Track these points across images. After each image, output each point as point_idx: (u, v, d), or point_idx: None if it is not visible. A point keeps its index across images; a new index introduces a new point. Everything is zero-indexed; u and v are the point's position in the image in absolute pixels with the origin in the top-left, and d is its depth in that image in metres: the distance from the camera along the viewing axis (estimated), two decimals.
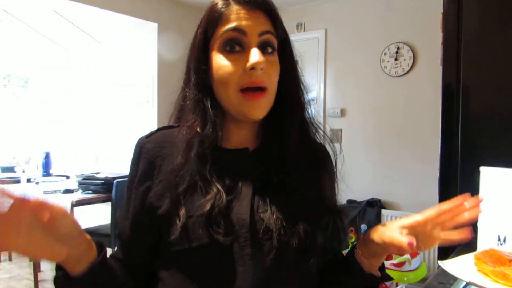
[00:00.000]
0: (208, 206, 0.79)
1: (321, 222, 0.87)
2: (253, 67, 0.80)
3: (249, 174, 0.87)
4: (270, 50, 0.85)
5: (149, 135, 0.92)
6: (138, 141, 0.92)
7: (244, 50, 0.82)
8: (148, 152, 0.88)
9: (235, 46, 0.82)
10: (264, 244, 0.81)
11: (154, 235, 0.85)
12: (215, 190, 0.81)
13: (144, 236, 0.87)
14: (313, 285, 0.92)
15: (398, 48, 3.99)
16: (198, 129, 0.85)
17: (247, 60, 0.81)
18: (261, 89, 0.82)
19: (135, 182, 0.88)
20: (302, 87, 0.93)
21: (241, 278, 0.79)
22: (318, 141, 0.97)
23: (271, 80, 0.84)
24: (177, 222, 0.79)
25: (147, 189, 0.86)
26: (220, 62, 0.83)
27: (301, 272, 0.87)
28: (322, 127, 0.98)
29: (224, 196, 0.81)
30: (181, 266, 0.83)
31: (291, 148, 0.89)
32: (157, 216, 0.83)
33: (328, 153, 0.99)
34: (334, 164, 0.98)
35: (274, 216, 0.82)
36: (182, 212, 0.80)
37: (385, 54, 4.07)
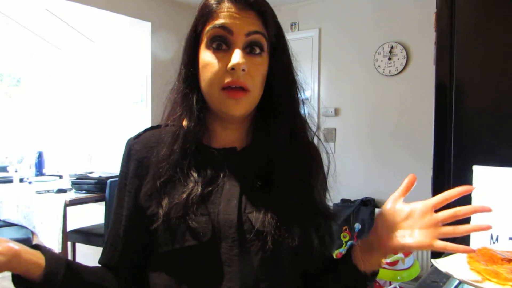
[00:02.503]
0: (184, 196, 0.81)
1: (312, 223, 0.88)
2: (233, 68, 0.81)
3: (236, 173, 0.87)
4: (258, 51, 0.84)
5: (137, 136, 0.92)
6: (126, 143, 0.92)
7: (230, 49, 0.82)
8: (136, 153, 0.89)
9: (221, 44, 0.83)
10: (252, 245, 0.82)
11: (146, 237, 0.85)
12: (193, 181, 0.83)
13: (139, 239, 0.87)
14: (301, 283, 0.92)
15: (392, 47, 4.01)
16: (184, 123, 0.87)
17: (230, 60, 0.81)
18: (242, 89, 0.82)
19: (127, 185, 0.88)
20: (296, 87, 0.93)
21: (229, 278, 0.80)
22: (311, 140, 0.96)
23: (254, 81, 0.84)
24: (160, 211, 0.81)
25: (137, 190, 0.87)
26: (206, 59, 0.84)
27: (290, 273, 0.88)
28: (315, 128, 0.97)
29: (200, 186, 0.82)
30: (169, 268, 0.83)
31: (280, 148, 0.88)
32: (146, 217, 0.84)
33: (319, 153, 0.98)
34: (326, 164, 0.97)
35: (268, 217, 0.82)
36: (165, 202, 0.81)
37: (378, 53, 4.08)
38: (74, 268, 0.81)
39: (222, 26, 0.82)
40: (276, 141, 0.88)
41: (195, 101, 0.87)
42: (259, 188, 0.86)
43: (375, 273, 0.90)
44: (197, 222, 0.80)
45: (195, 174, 0.84)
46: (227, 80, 0.81)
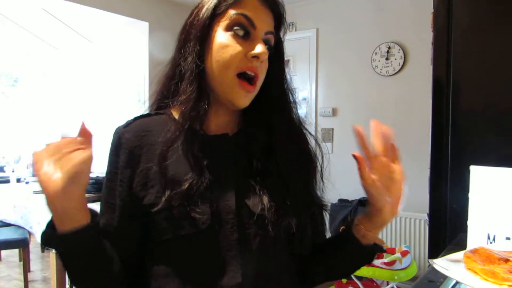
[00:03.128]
0: (186, 185, 0.81)
1: (307, 210, 0.91)
2: (256, 56, 0.83)
3: (231, 160, 0.89)
4: (267, 49, 0.88)
5: (126, 125, 0.91)
6: (115, 132, 0.91)
7: (249, 39, 0.85)
8: (127, 142, 0.88)
9: (242, 31, 0.84)
10: (250, 229, 0.84)
11: (140, 227, 0.85)
12: (195, 171, 0.83)
13: (133, 228, 0.86)
14: (296, 268, 0.95)
15: (389, 47, 4.01)
16: (192, 104, 0.85)
17: (250, 48, 0.84)
18: (253, 80, 0.85)
19: (118, 174, 0.87)
20: (290, 86, 0.97)
21: (230, 263, 0.82)
22: (307, 137, 1.00)
23: (263, 74, 0.88)
24: (162, 199, 0.80)
25: (130, 180, 0.85)
26: (226, 41, 0.84)
27: (286, 256, 0.91)
28: (309, 126, 1.01)
29: (204, 177, 0.82)
30: (170, 257, 0.84)
31: (280, 138, 0.92)
32: (143, 206, 0.83)
33: (312, 150, 1.00)
34: (319, 161, 1.00)
35: (266, 202, 0.84)
36: (166, 190, 0.81)
37: (376, 53, 4.08)
38: (101, 240, 0.82)
39: (249, 18, 0.84)
40: (277, 131, 0.92)
41: (206, 81, 0.87)
42: (254, 174, 0.88)
43: (375, 250, 0.93)
44: (197, 210, 0.80)
45: (195, 163, 0.84)
46: (246, 65, 0.84)
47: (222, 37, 0.84)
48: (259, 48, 0.83)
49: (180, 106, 0.87)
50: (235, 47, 0.83)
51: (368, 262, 0.96)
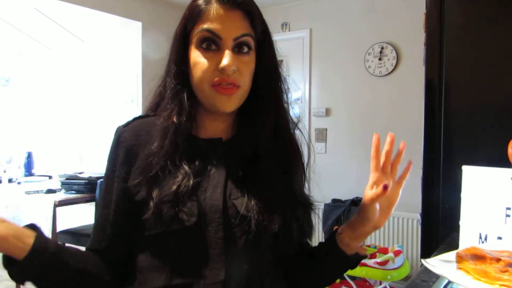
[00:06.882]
0: (174, 187, 0.84)
1: (293, 212, 0.93)
2: (224, 68, 0.84)
3: (222, 163, 0.91)
4: (245, 49, 0.88)
5: (126, 124, 0.95)
6: (115, 131, 0.95)
7: (219, 50, 0.86)
8: (125, 141, 0.92)
9: (211, 44, 0.86)
10: (236, 229, 0.86)
11: (134, 222, 0.88)
12: (183, 173, 0.86)
13: (127, 223, 0.90)
14: (281, 268, 0.97)
15: (382, 48, 4.02)
16: (175, 119, 0.90)
17: (220, 59, 0.85)
18: (233, 85, 0.86)
19: (116, 171, 0.91)
20: (281, 85, 0.97)
21: (214, 260, 0.84)
22: (293, 133, 1.01)
23: (244, 78, 0.88)
24: (151, 203, 0.83)
25: (126, 176, 0.89)
26: (196, 58, 0.87)
27: (270, 257, 0.92)
28: (301, 125, 1.02)
29: (192, 178, 0.85)
30: (156, 251, 0.87)
31: (264, 141, 0.93)
32: (135, 202, 0.87)
33: (298, 145, 1.02)
34: (305, 161, 1.02)
35: (252, 203, 0.87)
36: (155, 193, 0.84)
37: (369, 54, 4.10)
38: (59, 257, 0.81)
39: (211, 31, 0.85)
40: (262, 133, 0.93)
41: (186, 97, 0.90)
42: (243, 177, 0.91)
43: (359, 258, 0.95)
44: (184, 209, 0.83)
45: (185, 166, 0.87)
46: (217, 78, 0.85)
47: (194, 55, 0.88)
48: (225, 61, 0.84)
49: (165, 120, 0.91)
50: (204, 63, 0.86)
51: (351, 269, 0.97)
